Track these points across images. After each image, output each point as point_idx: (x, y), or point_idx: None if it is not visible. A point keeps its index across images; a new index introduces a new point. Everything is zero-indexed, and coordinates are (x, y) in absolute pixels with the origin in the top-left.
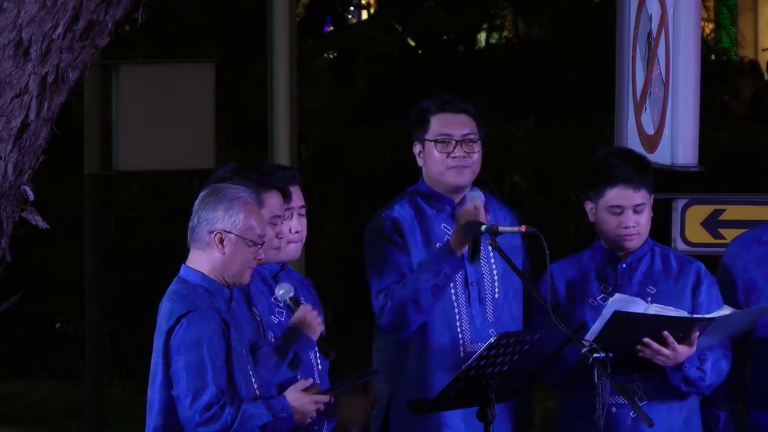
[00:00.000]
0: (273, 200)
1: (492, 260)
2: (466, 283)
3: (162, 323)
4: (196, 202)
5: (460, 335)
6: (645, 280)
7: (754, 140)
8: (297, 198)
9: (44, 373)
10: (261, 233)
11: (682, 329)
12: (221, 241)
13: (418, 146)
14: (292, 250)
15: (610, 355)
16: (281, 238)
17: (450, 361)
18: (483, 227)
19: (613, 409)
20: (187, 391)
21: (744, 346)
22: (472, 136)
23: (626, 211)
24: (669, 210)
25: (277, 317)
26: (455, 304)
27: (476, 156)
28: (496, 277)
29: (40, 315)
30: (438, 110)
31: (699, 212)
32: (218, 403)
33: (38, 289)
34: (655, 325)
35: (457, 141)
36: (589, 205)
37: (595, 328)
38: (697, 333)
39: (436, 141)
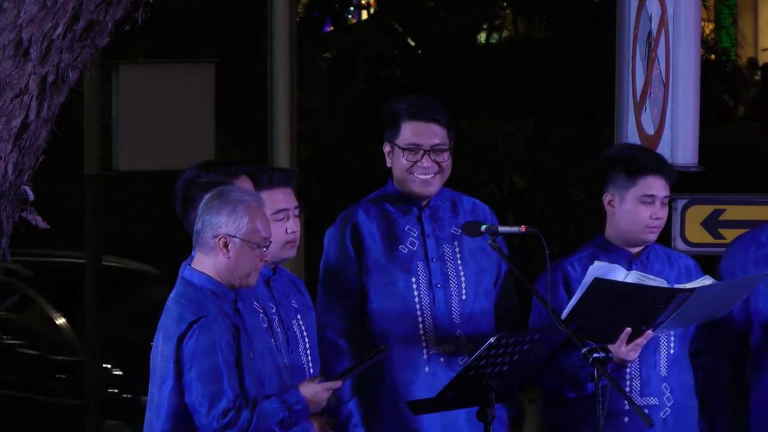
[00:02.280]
0: (244, 186)
1: (459, 261)
2: (430, 284)
3: (171, 327)
4: (200, 205)
5: (423, 337)
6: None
7: (754, 140)
8: (291, 199)
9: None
10: (266, 235)
11: (662, 300)
12: (226, 245)
13: (387, 146)
14: (289, 249)
15: (611, 355)
16: None
17: (414, 363)
18: (483, 227)
19: (646, 411)
20: (203, 398)
21: (744, 347)
22: (441, 146)
23: (657, 202)
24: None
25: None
26: (418, 306)
27: (445, 164)
28: (463, 279)
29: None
30: (409, 117)
31: (699, 212)
32: (234, 407)
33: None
34: (634, 294)
35: (425, 151)
36: (608, 197)
37: (576, 296)
38: (649, 332)
39: (404, 149)
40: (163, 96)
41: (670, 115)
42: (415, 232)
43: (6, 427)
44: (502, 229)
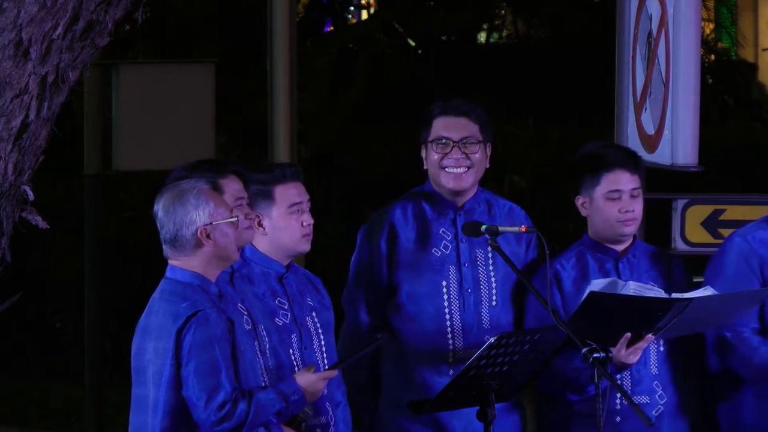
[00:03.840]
0: (233, 185)
1: (491, 266)
2: (461, 289)
3: (166, 325)
4: (160, 215)
5: (450, 341)
6: (644, 275)
7: (754, 140)
8: (303, 192)
9: (44, 373)
10: (229, 207)
11: (660, 308)
12: (208, 235)
13: (423, 149)
14: (305, 243)
15: (611, 355)
16: (251, 219)
17: (439, 367)
18: (483, 227)
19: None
20: (201, 391)
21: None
22: (471, 139)
23: (624, 196)
24: (669, 210)
25: (281, 319)
26: (447, 310)
27: (477, 157)
28: (494, 284)
29: (40, 315)
30: (440, 113)
31: (699, 212)
32: (231, 399)
33: (38, 289)
34: (632, 305)
35: (454, 143)
36: (580, 200)
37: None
38: (651, 336)
39: (434, 142)
40: (163, 96)
41: (670, 115)
42: (449, 235)
43: None
44: (502, 228)
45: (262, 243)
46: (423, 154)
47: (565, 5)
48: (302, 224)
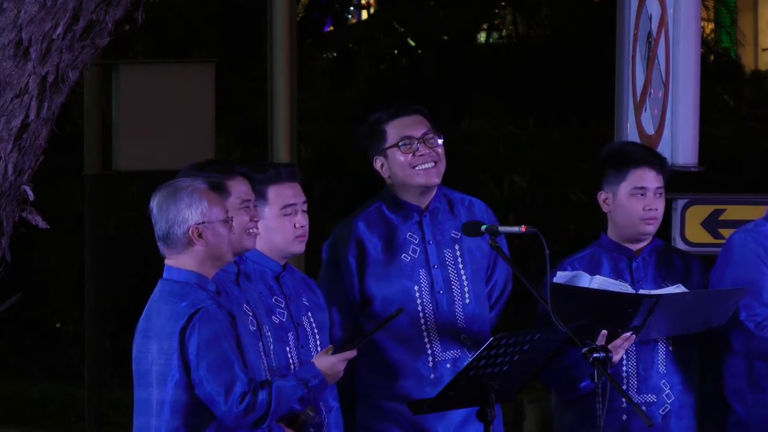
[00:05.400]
0: (240, 186)
1: (460, 265)
2: (432, 291)
3: (168, 325)
4: (154, 211)
5: (427, 344)
6: (659, 274)
7: (754, 140)
8: (299, 194)
9: (44, 373)
10: (224, 208)
11: (629, 305)
12: (200, 235)
13: (378, 160)
14: (298, 244)
15: (611, 354)
16: (256, 221)
17: (420, 370)
18: (483, 227)
19: (643, 408)
20: (218, 387)
21: None
22: (431, 134)
23: (649, 193)
24: (669, 210)
25: (278, 317)
26: (421, 314)
27: (440, 152)
28: (465, 282)
29: (40, 315)
30: (391, 117)
31: (699, 212)
32: (250, 390)
33: (38, 289)
34: (598, 299)
35: (418, 140)
36: (603, 195)
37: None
38: (630, 335)
39: (397, 145)
40: (163, 96)
41: (670, 115)
42: (416, 239)
43: None
44: (502, 229)
45: (257, 242)
46: (378, 165)
47: (565, 5)
48: (295, 226)
